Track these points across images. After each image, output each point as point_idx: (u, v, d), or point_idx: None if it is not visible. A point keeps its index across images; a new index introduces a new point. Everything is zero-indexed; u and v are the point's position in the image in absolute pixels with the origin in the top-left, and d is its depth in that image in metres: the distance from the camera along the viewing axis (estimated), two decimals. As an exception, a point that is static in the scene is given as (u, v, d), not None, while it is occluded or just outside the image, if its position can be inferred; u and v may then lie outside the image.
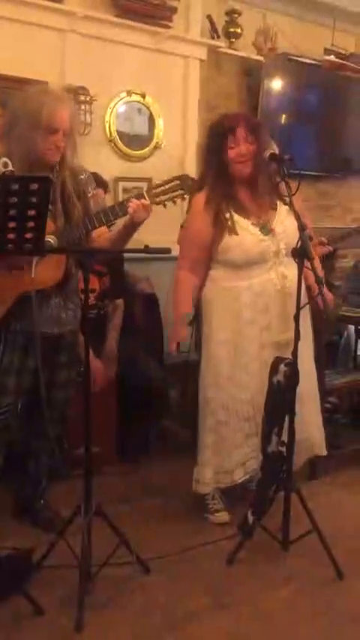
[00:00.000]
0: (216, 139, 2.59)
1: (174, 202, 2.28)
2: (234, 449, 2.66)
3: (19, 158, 2.22)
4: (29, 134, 2.22)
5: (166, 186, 2.25)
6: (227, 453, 2.67)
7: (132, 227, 2.30)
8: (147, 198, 2.23)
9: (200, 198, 2.62)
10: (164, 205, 2.29)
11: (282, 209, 2.62)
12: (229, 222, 2.54)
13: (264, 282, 2.56)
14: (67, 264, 2.33)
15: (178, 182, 2.24)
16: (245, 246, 2.53)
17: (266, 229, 2.56)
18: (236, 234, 2.53)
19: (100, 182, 3.14)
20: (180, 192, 2.24)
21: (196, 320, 3.13)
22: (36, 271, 2.08)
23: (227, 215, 2.55)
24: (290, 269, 2.53)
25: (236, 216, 2.56)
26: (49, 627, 2.04)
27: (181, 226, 3.28)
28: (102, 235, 2.40)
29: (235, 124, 2.55)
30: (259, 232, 2.55)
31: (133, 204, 2.22)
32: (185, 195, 2.27)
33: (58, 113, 2.24)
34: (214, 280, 2.65)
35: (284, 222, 2.59)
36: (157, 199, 2.26)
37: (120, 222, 2.36)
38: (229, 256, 2.57)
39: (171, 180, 2.25)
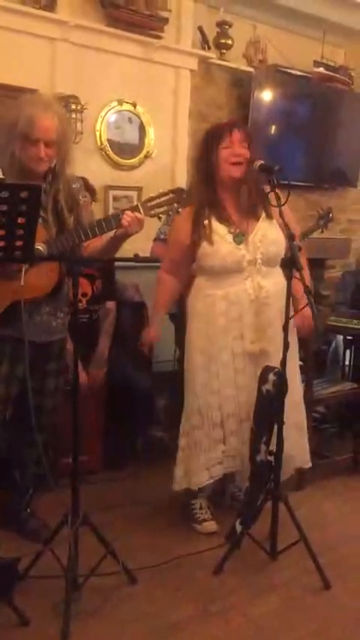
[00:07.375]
0: (209, 141, 2.59)
1: (168, 215, 2.27)
2: (203, 453, 2.66)
3: (4, 167, 2.21)
4: (7, 143, 2.20)
5: (161, 200, 2.24)
6: (197, 457, 2.67)
7: (123, 238, 2.29)
8: (141, 211, 2.22)
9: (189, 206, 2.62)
10: (159, 218, 2.29)
11: (264, 220, 2.61)
12: (207, 230, 2.55)
13: (239, 292, 2.56)
14: (60, 273, 2.32)
15: (172, 195, 2.23)
16: (221, 254, 2.54)
17: (240, 238, 2.56)
18: (211, 243, 2.54)
19: (87, 188, 3.12)
20: (174, 205, 2.23)
21: (177, 324, 3.15)
22: (27, 280, 2.07)
23: (206, 222, 2.56)
24: (268, 279, 2.57)
25: (215, 224, 2.57)
26: (34, 637, 2.02)
27: (154, 240, 3.27)
28: (92, 243, 2.39)
29: (232, 126, 2.60)
30: (233, 241, 2.56)
31: (128, 216, 2.20)
32: (179, 209, 2.25)
33: (38, 123, 2.19)
34: (197, 288, 2.67)
35: (264, 233, 2.58)
36: (152, 212, 2.24)
37: (110, 232, 2.36)
38: (206, 263, 2.58)
39: (166, 194, 2.23)
